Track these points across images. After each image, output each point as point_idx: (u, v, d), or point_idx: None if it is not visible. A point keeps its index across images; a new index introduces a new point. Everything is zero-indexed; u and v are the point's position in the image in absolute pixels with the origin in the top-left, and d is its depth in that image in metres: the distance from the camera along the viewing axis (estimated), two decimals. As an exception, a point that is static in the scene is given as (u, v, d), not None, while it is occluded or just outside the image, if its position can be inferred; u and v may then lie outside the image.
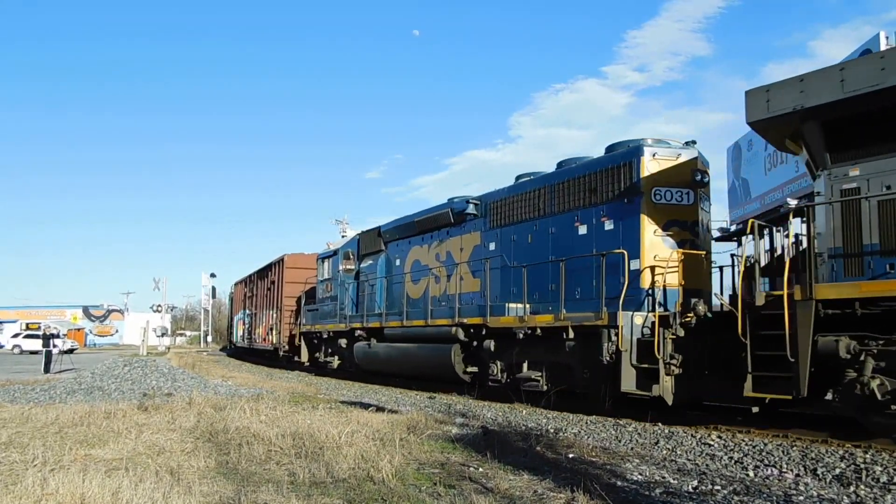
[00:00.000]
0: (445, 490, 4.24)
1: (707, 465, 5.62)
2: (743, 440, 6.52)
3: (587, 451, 5.84)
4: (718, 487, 4.54)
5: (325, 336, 14.75)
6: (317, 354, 16.19)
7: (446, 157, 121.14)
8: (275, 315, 20.66)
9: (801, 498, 4.33)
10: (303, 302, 16.84)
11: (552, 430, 7.18)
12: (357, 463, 4.88)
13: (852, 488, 4.70)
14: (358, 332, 13.18)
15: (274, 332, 20.72)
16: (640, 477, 4.84)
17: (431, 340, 10.94)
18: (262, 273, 23.61)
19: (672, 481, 4.74)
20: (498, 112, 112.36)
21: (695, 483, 4.70)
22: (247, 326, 26.20)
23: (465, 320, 10.09)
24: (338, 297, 14.28)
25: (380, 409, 8.43)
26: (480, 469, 4.94)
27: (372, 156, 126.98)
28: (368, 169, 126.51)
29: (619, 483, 4.59)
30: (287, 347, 19.49)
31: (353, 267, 14.86)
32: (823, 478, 5.08)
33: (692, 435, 6.82)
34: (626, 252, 7.62)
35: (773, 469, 5.37)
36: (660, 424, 7.44)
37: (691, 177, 7.60)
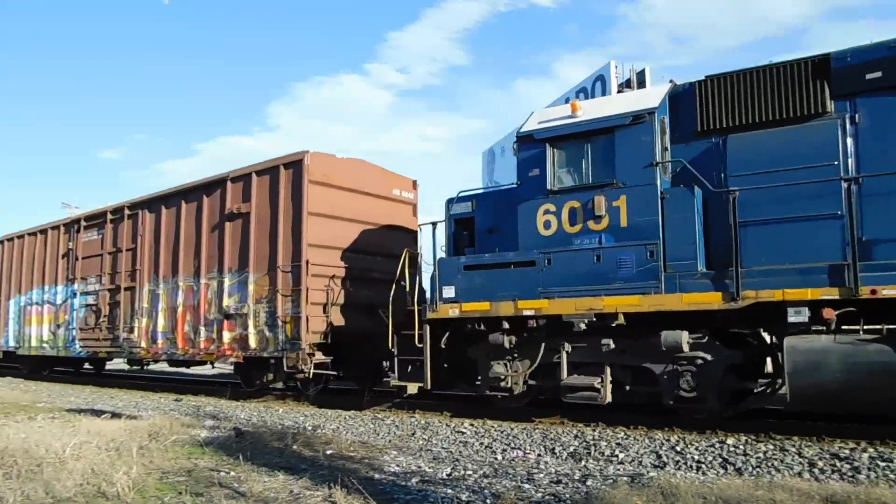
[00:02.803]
0: (192, 498, 5.01)
1: (460, 451, 7.40)
2: (493, 426, 8.34)
3: (345, 447, 7.32)
4: (470, 472, 6.02)
5: (581, 328, 7.81)
6: (503, 368, 8.57)
7: (197, 142, 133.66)
8: (254, 286, 11.46)
9: (542, 475, 5.88)
10: (434, 250, 9.55)
11: (310, 428, 8.75)
12: (86, 478, 5.49)
13: (583, 462, 6.67)
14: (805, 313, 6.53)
15: (249, 328, 11.45)
16: (397, 468, 6.22)
17: None
18: (173, 200, 13.45)
19: (427, 469, 6.16)
20: (255, 98, 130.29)
21: (448, 469, 6.14)
22: (79, 318, 15.80)
23: None
24: (645, 223, 7.46)
25: (116, 415, 9.50)
26: (232, 473, 5.90)
27: (108, 133, 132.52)
28: (103, 147, 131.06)
29: (376, 476, 5.83)
30: (318, 356, 10.82)
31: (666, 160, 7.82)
32: (560, 455, 7.02)
33: (447, 424, 8.64)
34: None
35: (519, 451, 7.23)
36: (417, 416, 9.39)
37: None
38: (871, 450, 6.29)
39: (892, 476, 5.59)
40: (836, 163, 6.85)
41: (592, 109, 8.16)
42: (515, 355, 8.65)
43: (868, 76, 6.89)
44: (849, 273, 6.47)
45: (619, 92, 23.72)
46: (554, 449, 7.15)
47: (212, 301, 12.45)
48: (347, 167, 11.93)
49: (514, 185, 9.13)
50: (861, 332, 6.42)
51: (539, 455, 6.97)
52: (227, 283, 12.15)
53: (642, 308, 7.48)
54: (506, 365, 8.68)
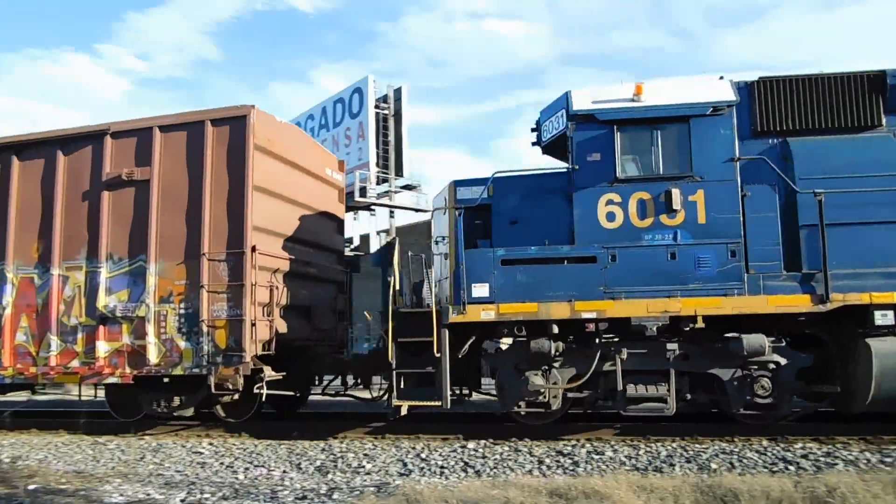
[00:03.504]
0: None
1: (197, 473, 6.82)
2: (234, 444, 8.06)
3: (55, 479, 6.40)
4: (208, 495, 5.59)
5: (653, 332, 7.63)
6: (542, 380, 7.58)
7: None
8: (158, 280, 8.66)
9: (287, 492, 5.68)
10: (458, 241, 7.69)
11: (7, 460, 7.69)
12: None
13: (330, 476, 6.47)
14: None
15: (148, 336, 8.60)
16: (121, 498, 5.59)
17: None
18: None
19: (158, 497, 5.61)
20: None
21: (183, 495, 5.67)
22: None
23: None
24: (725, 220, 7.22)
25: None
26: None
27: None
28: None
29: (95, 509, 5.16)
30: (268, 371, 8.34)
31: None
32: (306, 470, 6.78)
33: (182, 445, 8.15)
34: None
35: (263, 469, 6.90)
36: (146, 438, 8.79)
37: None
38: (588, 445, 7.27)
39: (603, 466, 6.52)
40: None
41: (656, 94, 7.64)
42: (555, 365, 7.69)
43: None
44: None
45: (376, 108, 25.32)
46: (300, 464, 7.04)
47: (73, 299, 9.10)
48: (287, 134, 9.69)
49: (547, 171, 8.23)
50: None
51: (284, 471, 6.84)
52: (104, 274, 8.97)
53: (724, 310, 7.13)
54: (544, 376, 7.66)
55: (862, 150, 7.43)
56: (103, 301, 8.92)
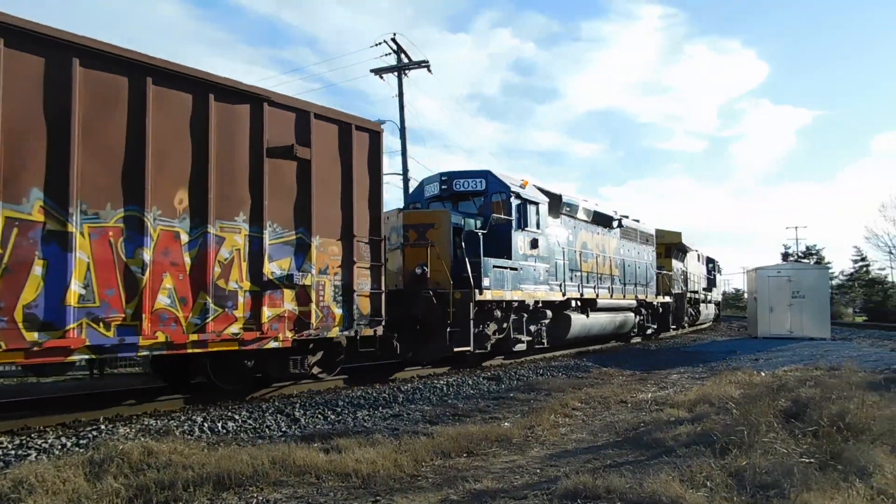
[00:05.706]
0: None
1: None
2: None
3: None
4: None
5: (530, 308, 15.27)
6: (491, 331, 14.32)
7: None
8: (317, 253, 9.59)
9: None
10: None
11: None
12: None
13: None
14: (577, 302, 17.32)
15: (312, 303, 9.44)
16: None
17: (621, 310, 20.27)
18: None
19: None
20: None
21: None
22: None
23: (640, 296, 21.75)
24: (546, 256, 15.89)
25: None
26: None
27: None
28: None
29: None
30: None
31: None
32: None
33: None
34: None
35: None
36: None
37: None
38: None
39: None
40: (562, 239, 17.33)
41: (529, 189, 15.16)
42: (491, 323, 13.91)
43: (566, 209, 17.77)
44: (582, 287, 17.15)
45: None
46: None
47: (231, 262, 8.79)
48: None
49: (502, 218, 14.27)
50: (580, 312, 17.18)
51: None
52: (267, 241, 9.14)
53: (548, 298, 15.35)
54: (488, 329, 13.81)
55: (561, 228, 17.21)
56: (268, 268, 9.16)
